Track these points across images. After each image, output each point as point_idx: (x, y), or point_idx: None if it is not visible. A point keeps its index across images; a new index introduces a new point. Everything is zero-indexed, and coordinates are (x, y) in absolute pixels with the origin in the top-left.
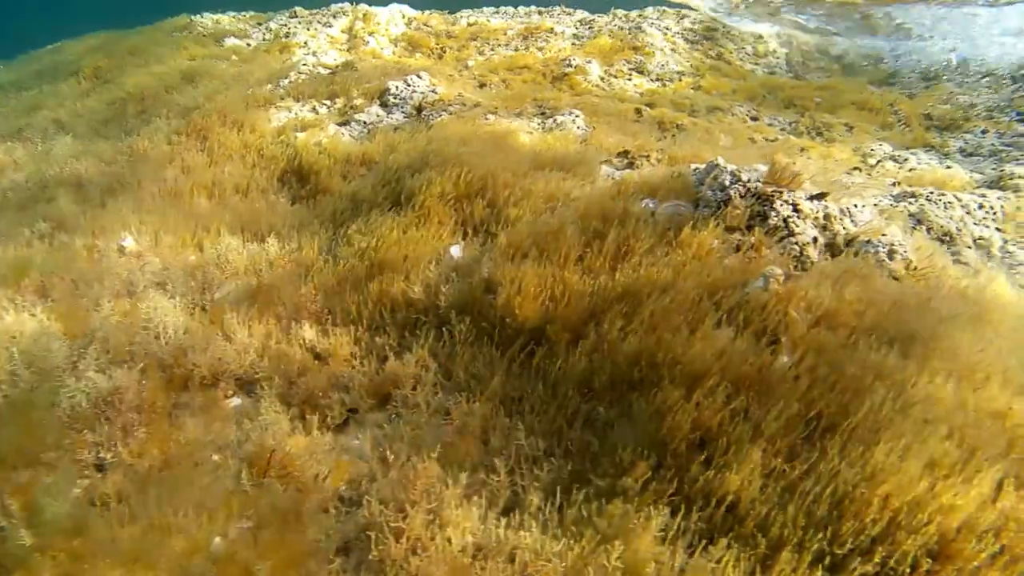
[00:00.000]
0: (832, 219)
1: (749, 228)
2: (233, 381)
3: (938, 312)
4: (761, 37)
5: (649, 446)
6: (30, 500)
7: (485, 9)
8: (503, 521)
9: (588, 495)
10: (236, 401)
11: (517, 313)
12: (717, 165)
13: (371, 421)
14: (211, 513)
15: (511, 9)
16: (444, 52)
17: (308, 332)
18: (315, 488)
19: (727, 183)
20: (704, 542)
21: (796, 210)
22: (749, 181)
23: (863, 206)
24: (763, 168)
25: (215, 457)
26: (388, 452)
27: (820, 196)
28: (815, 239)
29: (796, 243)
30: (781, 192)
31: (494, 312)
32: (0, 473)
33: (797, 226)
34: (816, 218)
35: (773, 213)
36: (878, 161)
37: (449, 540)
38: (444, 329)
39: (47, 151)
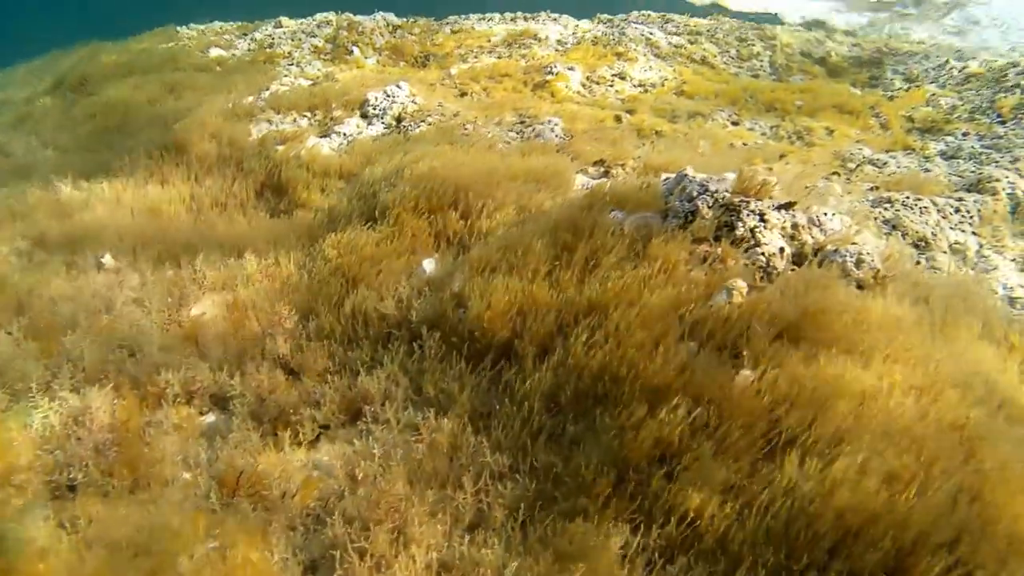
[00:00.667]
0: (800, 228)
1: (716, 239)
2: (208, 398)
3: (901, 322)
4: (745, 40)
5: (612, 462)
6: None
7: (471, 16)
8: (467, 538)
9: (551, 513)
10: (210, 418)
11: (486, 328)
12: (686, 175)
13: (342, 437)
14: (179, 533)
15: (496, 16)
16: (428, 60)
17: (282, 347)
18: (283, 507)
19: (695, 193)
20: (663, 560)
21: (763, 220)
22: (717, 191)
23: (833, 214)
24: (732, 177)
25: (186, 476)
26: (357, 469)
27: (788, 205)
28: (782, 249)
29: (762, 253)
30: (748, 202)
31: (464, 327)
32: None
33: (763, 236)
34: (783, 228)
35: (740, 223)
36: (857, 165)
37: (413, 558)
38: (415, 344)
39: (29, 166)
